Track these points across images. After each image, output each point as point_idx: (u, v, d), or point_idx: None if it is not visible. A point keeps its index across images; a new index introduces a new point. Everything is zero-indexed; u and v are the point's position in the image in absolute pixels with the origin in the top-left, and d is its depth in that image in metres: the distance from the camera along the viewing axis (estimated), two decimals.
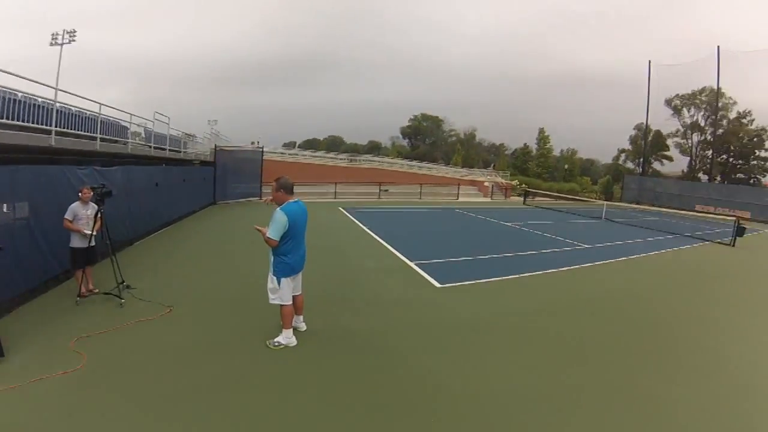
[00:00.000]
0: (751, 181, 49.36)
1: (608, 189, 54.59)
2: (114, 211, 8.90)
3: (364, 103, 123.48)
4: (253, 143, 37.85)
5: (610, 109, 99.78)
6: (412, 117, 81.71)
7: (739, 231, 19.57)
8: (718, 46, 44.28)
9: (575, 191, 50.06)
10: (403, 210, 23.11)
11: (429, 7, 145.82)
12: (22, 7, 77.22)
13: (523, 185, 43.36)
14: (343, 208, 21.45)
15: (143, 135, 17.68)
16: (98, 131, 12.16)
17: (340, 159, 40.31)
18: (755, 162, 51.15)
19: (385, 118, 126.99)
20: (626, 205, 37.16)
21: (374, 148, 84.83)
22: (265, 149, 29.38)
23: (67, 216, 6.56)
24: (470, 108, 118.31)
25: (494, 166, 55.84)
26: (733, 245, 18.79)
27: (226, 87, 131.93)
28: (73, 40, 36.24)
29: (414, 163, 44.85)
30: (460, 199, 32.99)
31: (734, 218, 21.80)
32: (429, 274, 9.60)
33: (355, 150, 79.12)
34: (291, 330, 5.59)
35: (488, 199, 35.64)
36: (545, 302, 8.49)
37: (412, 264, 10.52)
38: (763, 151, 50.57)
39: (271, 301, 5.48)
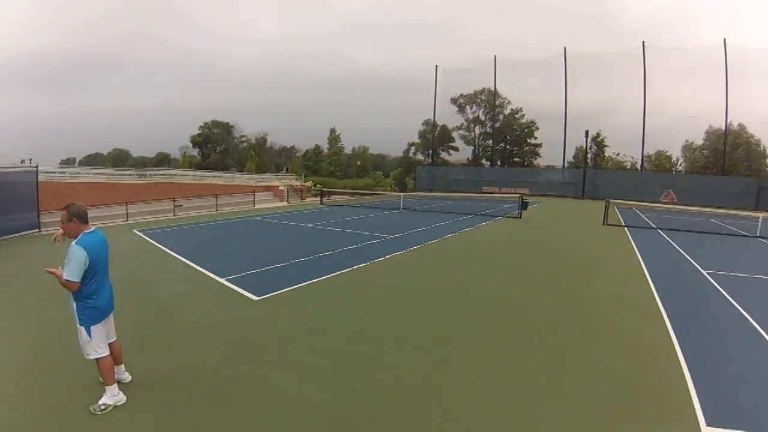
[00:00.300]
0: (525, 164, 60.99)
1: (401, 181, 59.77)
2: None
3: (153, 112, 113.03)
4: (23, 161, 32.44)
5: (399, 109, 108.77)
6: (202, 124, 77.36)
7: (524, 205, 24.56)
8: (495, 56, 53.64)
9: (370, 186, 53.33)
10: (202, 224, 22.65)
11: (221, 6, 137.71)
12: None
13: (318, 185, 44.61)
14: (138, 231, 19.87)
15: None
16: None
17: (129, 175, 36.71)
18: (527, 148, 65.30)
19: (174, 128, 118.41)
20: (421, 193, 41.43)
21: (164, 161, 78.69)
22: (40, 169, 24.85)
23: None
24: (261, 113, 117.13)
25: (287, 169, 56.52)
26: (520, 217, 24.82)
27: None
28: None
29: (207, 173, 43.13)
30: (257, 206, 33.46)
31: (518, 195, 27.02)
32: (243, 289, 9.51)
33: (143, 164, 72.58)
34: (116, 385, 4.78)
35: (285, 204, 36.70)
36: (364, 297, 9.30)
37: (223, 281, 10.30)
38: (533, 139, 64.61)
39: (88, 357, 4.66)
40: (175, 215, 27.68)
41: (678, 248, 16.48)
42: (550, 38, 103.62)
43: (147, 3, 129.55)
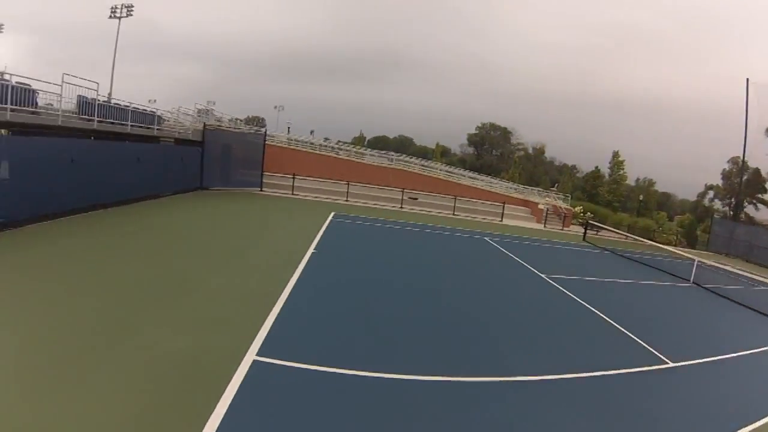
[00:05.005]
0: None
1: (690, 232, 41.14)
2: None
3: (435, 108, 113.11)
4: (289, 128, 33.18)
5: (690, 142, 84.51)
6: (479, 125, 71.80)
7: None
8: None
9: (650, 230, 38.02)
10: (416, 229, 16.08)
11: (498, 9, 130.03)
12: None
13: (588, 214, 33.22)
14: (334, 212, 14.93)
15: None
16: None
17: (371, 155, 32.52)
18: None
19: (453, 125, 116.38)
20: (726, 264, 21.75)
21: (443, 153, 75.69)
22: (269, 134, 24.61)
23: None
24: (537, 124, 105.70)
25: (557, 185, 45.66)
26: None
27: (288, 76, 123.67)
28: (131, 14, 36.99)
29: (456, 170, 35.74)
30: (505, 222, 24.84)
31: None
32: None
33: (423, 153, 71.14)
34: None
35: (540, 226, 26.77)
36: None
37: None
38: None
39: None
40: (401, 208, 21.94)
41: None
42: None
43: (436, 5, 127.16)
